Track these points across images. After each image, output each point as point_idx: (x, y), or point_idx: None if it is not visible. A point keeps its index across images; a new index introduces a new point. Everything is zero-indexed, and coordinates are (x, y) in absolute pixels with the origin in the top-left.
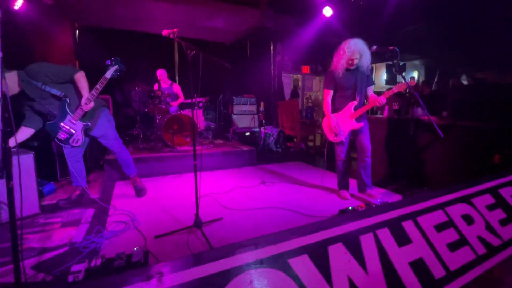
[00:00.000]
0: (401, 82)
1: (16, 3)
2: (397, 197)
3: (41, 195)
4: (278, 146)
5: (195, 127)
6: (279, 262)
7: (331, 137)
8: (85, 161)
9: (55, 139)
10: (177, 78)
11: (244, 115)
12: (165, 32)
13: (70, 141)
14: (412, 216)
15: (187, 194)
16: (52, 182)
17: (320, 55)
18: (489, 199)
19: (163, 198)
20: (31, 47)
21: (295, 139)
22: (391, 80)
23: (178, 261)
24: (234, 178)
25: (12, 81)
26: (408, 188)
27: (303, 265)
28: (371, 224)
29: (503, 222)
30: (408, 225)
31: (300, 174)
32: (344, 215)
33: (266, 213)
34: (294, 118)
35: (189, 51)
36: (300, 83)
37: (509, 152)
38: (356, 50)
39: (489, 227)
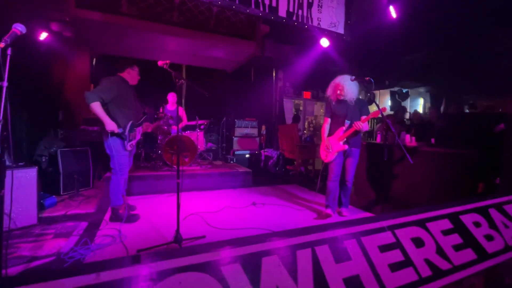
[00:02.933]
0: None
1: (41, 35)
2: None
3: (42, 208)
4: (277, 168)
5: (190, 147)
6: (212, 269)
7: (323, 157)
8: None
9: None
10: (183, 101)
11: (246, 138)
12: (160, 63)
13: (130, 143)
14: (357, 235)
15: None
16: (53, 196)
17: (320, 81)
18: (446, 224)
19: (154, 215)
20: (51, 72)
21: (295, 162)
22: (395, 107)
23: (117, 260)
24: (227, 198)
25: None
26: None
27: (234, 273)
28: (310, 240)
29: (457, 247)
30: (351, 244)
31: (293, 196)
32: (284, 231)
33: (249, 234)
34: (293, 141)
35: (177, 80)
36: (301, 108)
37: (493, 179)
38: (339, 83)
39: (440, 251)
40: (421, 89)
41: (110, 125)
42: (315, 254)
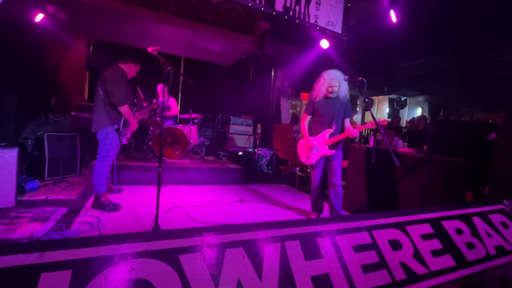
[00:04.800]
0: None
1: (37, 16)
2: None
3: (23, 191)
4: (270, 168)
5: (182, 140)
6: (169, 257)
7: (303, 159)
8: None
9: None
10: (180, 93)
11: (240, 135)
12: (150, 49)
13: (125, 137)
14: (331, 233)
15: (162, 203)
16: (36, 180)
17: None
18: (427, 228)
19: (138, 205)
20: (46, 56)
21: (288, 163)
22: (393, 114)
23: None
24: (215, 194)
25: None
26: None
27: (192, 263)
28: (281, 235)
29: (436, 253)
30: (324, 242)
31: (281, 196)
32: (254, 224)
33: None
34: (287, 141)
35: (164, 66)
36: (298, 109)
37: (482, 189)
38: (334, 77)
39: (417, 256)
40: (420, 98)
41: (136, 125)
42: (284, 249)
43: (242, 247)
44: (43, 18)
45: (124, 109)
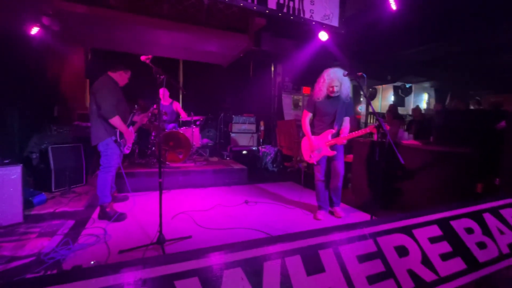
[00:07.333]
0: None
1: (32, 29)
2: (365, 217)
3: (31, 205)
4: (275, 165)
5: (185, 143)
6: (164, 284)
7: (306, 157)
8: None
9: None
10: (180, 97)
11: (243, 134)
12: (142, 58)
13: (126, 147)
14: (334, 244)
15: (167, 210)
16: (43, 193)
17: None
18: (435, 230)
19: (143, 213)
20: (44, 68)
21: (293, 159)
22: (398, 102)
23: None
24: (220, 196)
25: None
26: (383, 211)
27: None
28: (281, 250)
29: (445, 256)
30: (326, 254)
31: (287, 194)
32: (252, 241)
33: (238, 234)
34: (291, 138)
35: (158, 75)
36: (300, 103)
37: (492, 180)
38: (335, 77)
39: (425, 261)
40: (426, 84)
41: (131, 135)
42: (285, 266)
43: (240, 267)
44: (39, 30)
45: (114, 121)
